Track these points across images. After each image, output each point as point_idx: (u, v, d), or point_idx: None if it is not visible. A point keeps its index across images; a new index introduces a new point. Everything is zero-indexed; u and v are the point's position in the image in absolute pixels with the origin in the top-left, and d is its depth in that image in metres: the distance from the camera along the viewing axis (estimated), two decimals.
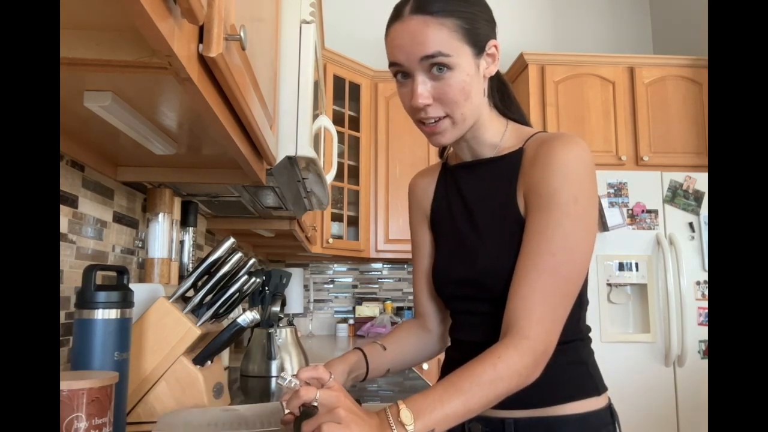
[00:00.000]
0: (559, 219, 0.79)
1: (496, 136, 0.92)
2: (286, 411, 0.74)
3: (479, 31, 0.83)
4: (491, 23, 0.86)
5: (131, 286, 0.93)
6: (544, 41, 3.89)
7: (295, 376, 0.73)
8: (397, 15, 0.83)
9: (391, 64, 0.84)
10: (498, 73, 0.95)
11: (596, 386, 0.87)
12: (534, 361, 0.75)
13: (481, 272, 0.86)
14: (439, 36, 0.79)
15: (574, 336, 0.88)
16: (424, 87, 0.81)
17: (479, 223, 0.90)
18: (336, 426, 0.65)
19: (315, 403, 0.68)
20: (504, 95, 0.96)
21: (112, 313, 0.82)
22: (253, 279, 1.04)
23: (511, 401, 0.83)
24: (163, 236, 1.31)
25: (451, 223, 0.96)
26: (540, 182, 0.82)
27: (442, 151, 1.03)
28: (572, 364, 0.87)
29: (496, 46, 0.85)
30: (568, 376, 0.86)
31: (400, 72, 0.84)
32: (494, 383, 0.72)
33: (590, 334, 0.93)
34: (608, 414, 0.87)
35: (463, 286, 0.91)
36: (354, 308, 3.54)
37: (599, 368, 0.92)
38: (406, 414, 0.68)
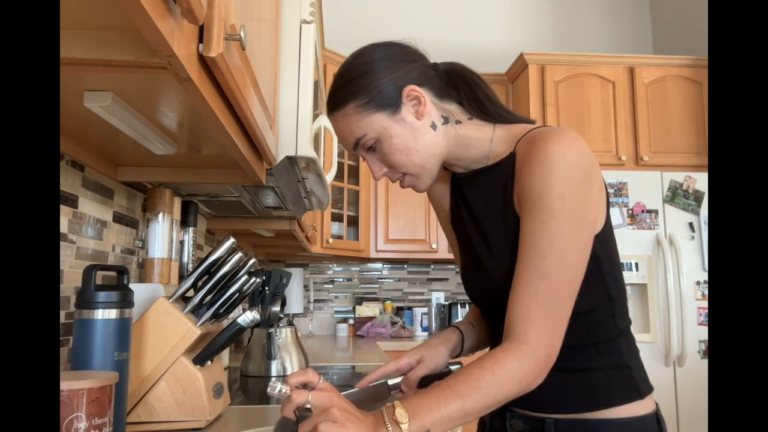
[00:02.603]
0: (546, 220, 0.77)
1: (483, 146, 0.89)
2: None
3: (383, 92, 0.84)
4: (400, 69, 0.86)
5: (131, 286, 0.93)
6: (544, 41, 3.89)
7: (285, 383, 0.73)
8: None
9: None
10: (466, 82, 0.90)
11: (639, 390, 0.84)
12: (535, 366, 0.74)
13: (497, 284, 0.85)
14: (348, 126, 0.86)
15: (611, 333, 0.86)
16: (373, 163, 0.89)
17: (487, 234, 0.89)
18: (332, 425, 0.65)
19: (308, 406, 0.68)
20: (479, 102, 0.90)
21: (112, 313, 0.82)
22: (253, 279, 1.04)
23: (551, 405, 0.84)
24: (163, 236, 1.31)
25: (466, 234, 0.95)
26: (526, 184, 0.80)
27: None
28: (614, 367, 0.85)
29: (412, 90, 0.85)
30: (610, 381, 0.84)
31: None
32: (492, 388, 0.71)
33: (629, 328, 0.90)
34: (654, 421, 0.84)
35: (487, 297, 0.91)
36: (354, 308, 3.54)
37: (643, 368, 0.88)
38: (401, 413, 0.68)
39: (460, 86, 0.91)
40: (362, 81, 0.84)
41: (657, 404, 0.87)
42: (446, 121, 0.88)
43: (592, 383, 0.84)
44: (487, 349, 1.00)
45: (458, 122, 0.89)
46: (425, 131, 0.86)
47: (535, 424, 0.86)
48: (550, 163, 0.77)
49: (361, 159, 3.26)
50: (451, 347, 0.98)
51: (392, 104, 0.84)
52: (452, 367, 0.97)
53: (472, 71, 0.92)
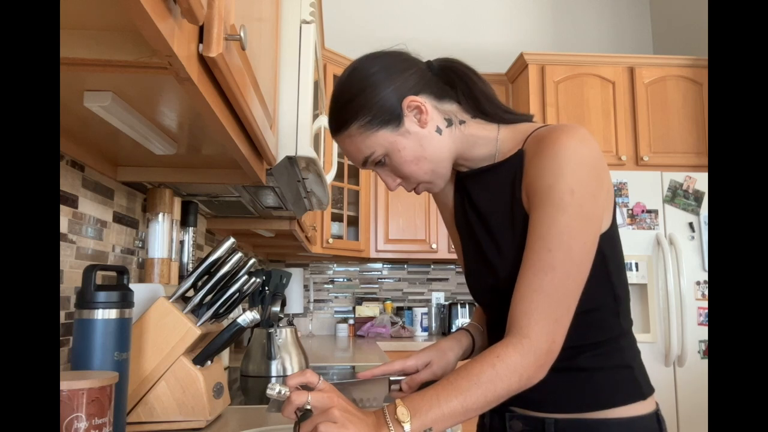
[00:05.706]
0: (554, 214, 0.77)
1: (489, 146, 0.90)
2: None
3: (384, 107, 0.83)
4: (396, 80, 0.84)
5: (131, 286, 0.93)
6: (544, 41, 3.89)
7: (284, 384, 0.72)
8: None
9: None
10: (466, 83, 0.89)
11: (641, 391, 0.84)
12: (535, 361, 0.73)
13: (504, 282, 0.85)
14: (355, 146, 0.86)
15: (614, 332, 0.86)
16: (386, 176, 0.89)
17: (494, 231, 0.89)
18: (332, 425, 0.65)
19: (309, 407, 0.68)
20: (476, 100, 0.89)
21: (112, 313, 0.82)
22: (253, 279, 1.04)
23: (553, 404, 0.84)
24: (163, 236, 1.31)
25: (471, 232, 0.95)
26: (536, 177, 0.80)
27: None
28: (617, 368, 0.84)
29: (412, 100, 0.84)
30: (612, 381, 0.84)
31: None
32: (493, 383, 0.71)
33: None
34: (655, 420, 0.84)
35: (492, 295, 0.91)
36: (354, 308, 3.54)
37: (645, 369, 0.88)
38: (402, 412, 0.68)
39: (456, 83, 0.89)
40: (361, 99, 0.83)
41: (657, 404, 0.87)
42: (450, 123, 0.87)
43: (595, 383, 0.83)
44: None
45: (462, 122, 0.89)
46: (431, 137, 0.85)
47: (534, 424, 0.86)
48: (561, 157, 0.77)
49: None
50: (461, 353, 0.98)
51: (394, 118, 0.84)
52: None
53: (468, 67, 0.91)
